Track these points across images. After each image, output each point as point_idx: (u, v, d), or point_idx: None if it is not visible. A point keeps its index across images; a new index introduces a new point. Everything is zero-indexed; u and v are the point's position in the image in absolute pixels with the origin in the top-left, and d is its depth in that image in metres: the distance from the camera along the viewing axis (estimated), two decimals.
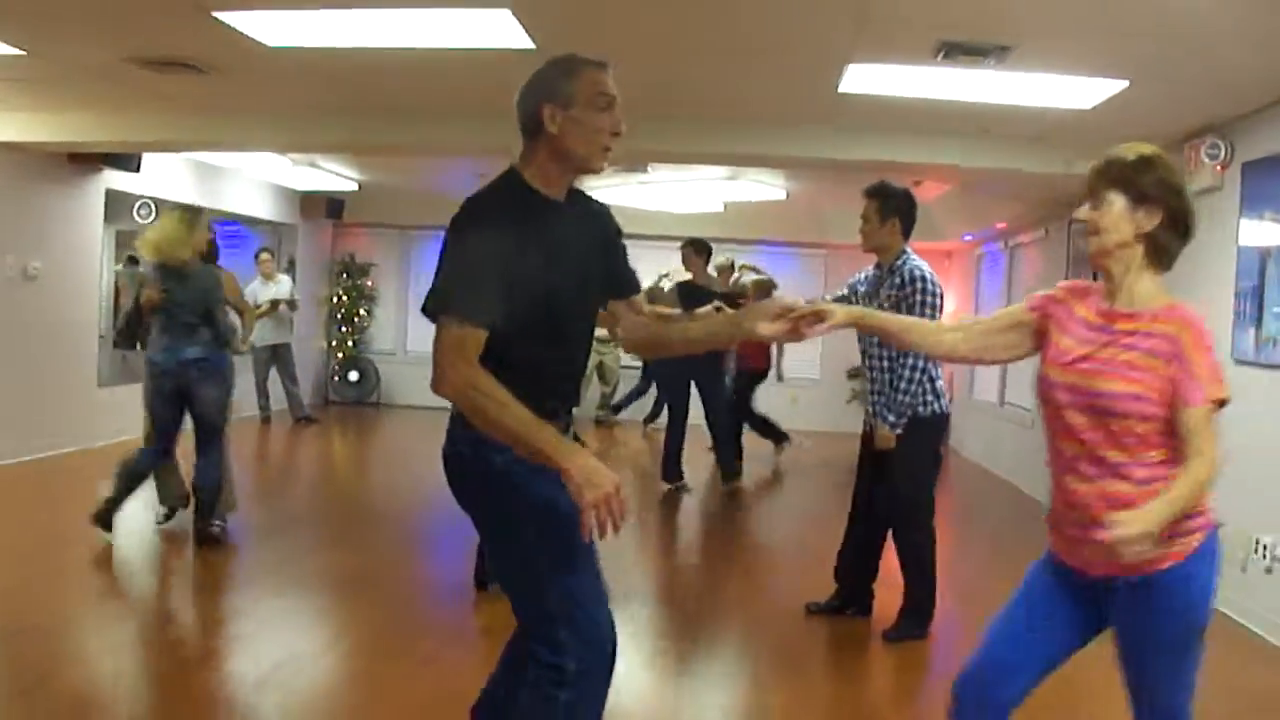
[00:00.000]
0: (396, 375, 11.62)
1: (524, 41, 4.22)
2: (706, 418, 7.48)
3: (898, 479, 4.01)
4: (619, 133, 2.11)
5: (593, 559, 2.18)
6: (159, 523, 5.35)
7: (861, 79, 4.66)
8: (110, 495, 4.90)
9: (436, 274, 2.03)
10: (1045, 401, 2.09)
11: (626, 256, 2.35)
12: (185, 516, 5.22)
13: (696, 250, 7.31)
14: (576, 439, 2.31)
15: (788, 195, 9.41)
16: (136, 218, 8.53)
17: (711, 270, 7.60)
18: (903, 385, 3.89)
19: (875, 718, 3.50)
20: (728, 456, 7.54)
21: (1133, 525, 1.81)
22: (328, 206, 10.99)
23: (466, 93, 5.28)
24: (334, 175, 9.61)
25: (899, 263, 3.97)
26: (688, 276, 7.39)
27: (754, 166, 7.99)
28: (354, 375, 11.61)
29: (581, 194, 2.25)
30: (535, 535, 2.10)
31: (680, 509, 7.10)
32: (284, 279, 9.85)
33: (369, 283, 11.69)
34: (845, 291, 4.22)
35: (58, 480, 6.65)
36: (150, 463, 5.04)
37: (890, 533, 4.15)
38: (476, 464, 2.10)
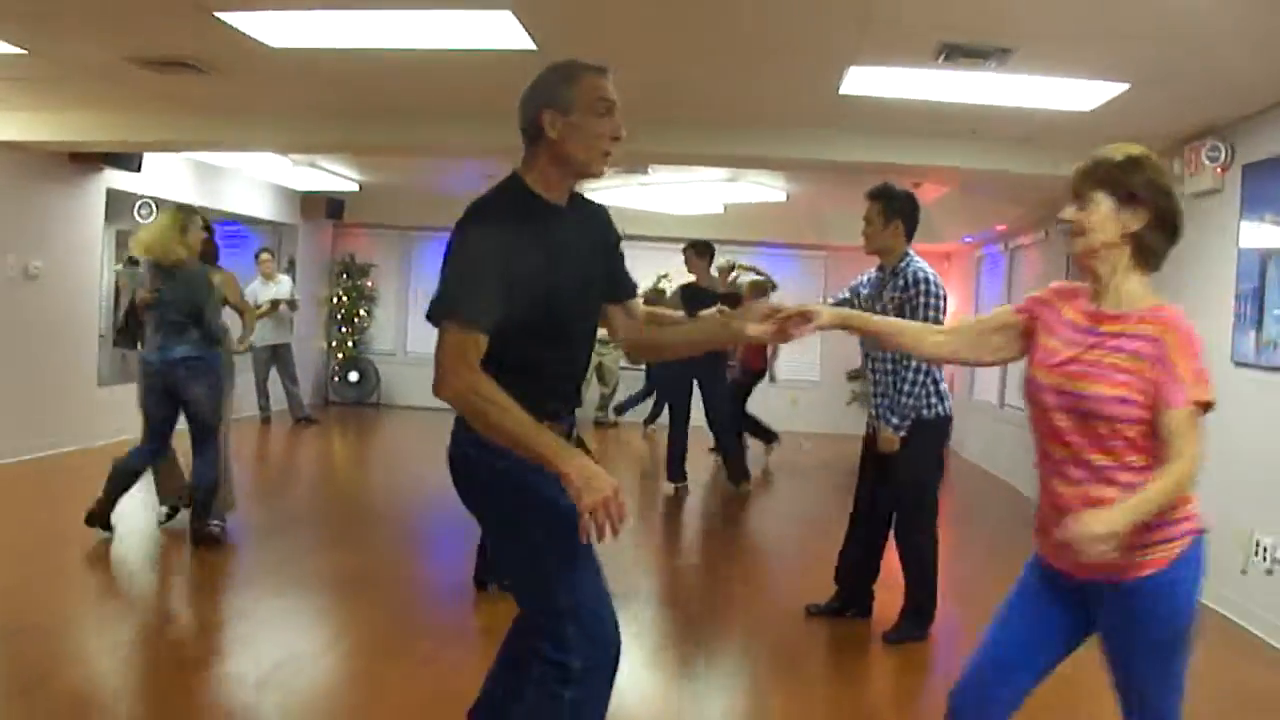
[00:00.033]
0: (396, 376, 11.62)
1: (525, 42, 4.22)
2: (708, 418, 7.48)
3: (901, 481, 4.01)
4: (619, 137, 2.14)
5: (595, 559, 2.20)
6: (160, 522, 5.35)
7: (863, 81, 4.66)
8: (101, 496, 4.91)
9: (440, 279, 2.05)
10: (1032, 404, 2.09)
11: (623, 261, 2.38)
12: (186, 516, 5.22)
13: (699, 252, 7.30)
14: (579, 441, 2.32)
15: (788, 197, 9.41)
16: (137, 217, 8.52)
17: (713, 272, 7.60)
18: (906, 388, 3.89)
19: (875, 719, 3.50)
20: (736, 459, 7.51)
21: (1091, 524, 1.80)
22: (328, 207, 11.00)
23: (468, 94, 5.29)
24: (334, 176, 9.62)
25: (902, 265, 3.97)
26: (689, 278, 7.39)
27: (754, 168, 7.99)
28: (354, 376, 11.61)
29: (582, 197, 2.28)
30: (540, 534, 2.12)
31: (681, 509, 7.10)
32: (284, 279, 9.85)
33: (369, 283, 11.69)
34: (847, 295, 4.21)
35: (58, 479, 6.65)
36: (141, 462, 5.04)
37: (892, 534, 4.15)
38: (481, 465, 2.12)
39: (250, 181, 9.69)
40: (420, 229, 11.50)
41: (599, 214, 2.32)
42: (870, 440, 4.14)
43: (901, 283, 3.92)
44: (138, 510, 5.38)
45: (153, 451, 5.07)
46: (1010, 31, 3.85)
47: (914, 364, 3.86)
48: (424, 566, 5.32)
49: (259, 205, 10.00)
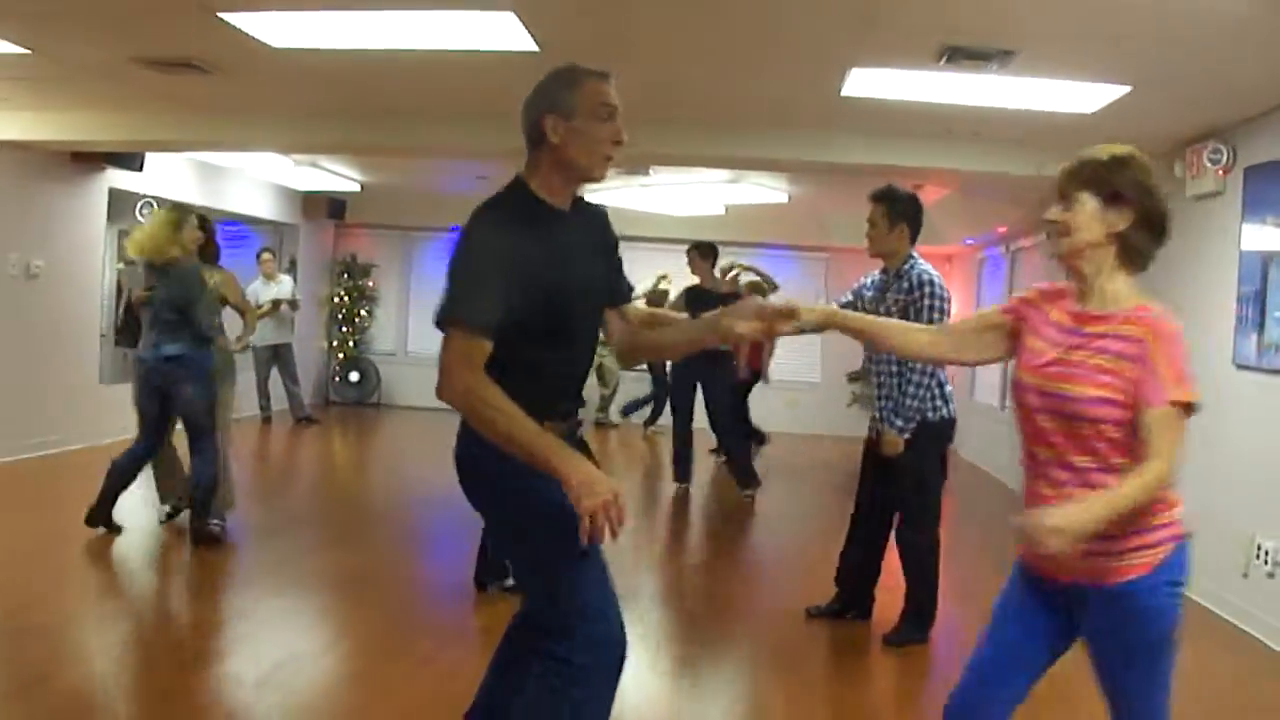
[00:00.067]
0: (397, 376, 11.62)
1: (527, 44, 4.22)
2: (710, 419, 7.47)
3: (904, 484, 4.00)
4: (620, 142, 2.15)
5: (602, 559, 2.21)
6: (162, 521, 5.35)
7: (865, 83, 4.66)
8: (98, 495, 4.92)
9: (446, 284, 2.06)
10: (1018, 405, 2.08)
11: (621, 265, 2.40)
12: (187, 515, 5.22)
13: (702, 254, 7.27)
14: (582, 442, 2.33)
15: (789, 198, 9.41)
16: (139, 217, 8.52)
17: (717, 273, 7.59)
18: (911, 390, 3.88)
19: None
20: (741, 462, 7.43)
21: (1047, 516, 1.80)
22: (329, 207, 11.00)
23: (469, 95, 5.29)
24: (336, 176, 9.63)
25: (906, 267, 3.97)
26: (690, 279, 7.38)
27: (756, 169, 7.99)
28: (355, 376, 11.61)
29: (583, 200, 2.30)
30: (547, 534, 2.12)
31: (682, 510, 7.10)
32: (285, 279, 9.85)
33: (370, 283, 11.69)
34: (850, 297, 4.20)
35: (60, 478, 6.65)
36: (135, 461, 5.05)
37: (894, 536, 4.15)
38: (487, 465, 2.13)
39: (252, 181, 9.70)
40: (421, 229, 11.51)
41: (599, 216, 2.34)
42: (873, 442, 4.13)
43: (906, 285, 3.92)
44: (138, 509, 5.39)
45: (147, 449, 5.08)
46: (1012, 33, 3.85)
47: (919, 366, 3.85)
48: (424, 566, 5.32)
49: (260, 205, 10.01)
